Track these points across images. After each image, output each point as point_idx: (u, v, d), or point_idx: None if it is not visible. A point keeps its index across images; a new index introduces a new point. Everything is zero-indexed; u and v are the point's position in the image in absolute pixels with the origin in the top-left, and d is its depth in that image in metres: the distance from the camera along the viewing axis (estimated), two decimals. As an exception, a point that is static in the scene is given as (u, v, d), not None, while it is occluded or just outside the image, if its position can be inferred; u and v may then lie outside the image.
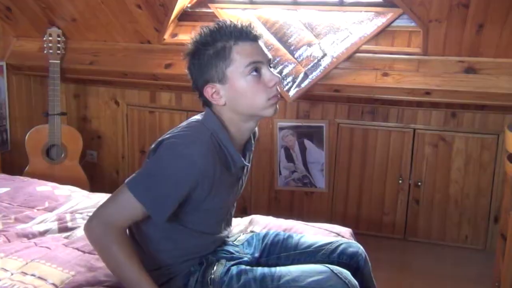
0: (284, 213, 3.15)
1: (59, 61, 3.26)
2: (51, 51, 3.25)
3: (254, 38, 1.40)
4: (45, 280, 1.56)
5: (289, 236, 1.73)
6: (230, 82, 1.39)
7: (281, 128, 3.30)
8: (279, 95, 1.45)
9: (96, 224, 1.37)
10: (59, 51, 3.27)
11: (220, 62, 1.38)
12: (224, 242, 1.68)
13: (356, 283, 1.47)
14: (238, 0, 3.16)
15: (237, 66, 1.38)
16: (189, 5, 3.22)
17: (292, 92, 2.95)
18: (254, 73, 1.38)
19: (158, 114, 3.54)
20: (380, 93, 2.88)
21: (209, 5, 3.17)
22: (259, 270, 1.50)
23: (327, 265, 1.48)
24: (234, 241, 1.72)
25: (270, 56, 1.44)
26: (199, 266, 1.53)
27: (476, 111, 2.99)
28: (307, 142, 3.27)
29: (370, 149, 3.20)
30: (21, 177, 2.68)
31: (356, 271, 1.60)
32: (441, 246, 3.17)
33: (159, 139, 1.41)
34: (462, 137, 3.04)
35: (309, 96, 3.06)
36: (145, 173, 1.37)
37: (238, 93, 1.39)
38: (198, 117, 1.49)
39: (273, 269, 1.50)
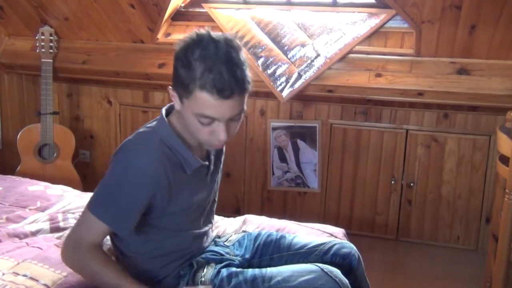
0: (277, 213, 3.16)
1: (51, 60, 3.24)
2: (43, 50, 3.23)
3: (225, 97, 1.26)
4: (37, 280, 1.55)
5: (282, 237, 1.73)
6: (184, 105, 1.33)
7: (274, 128, 3.30)
8: (223, 146, 1.47)
9: (66, 248, 1.40)
10: (51, 50, 3.25)
11: (183, 85, 1.29)
12: (214, 243, 1.68)
13: (347, 281, 1.47)
14: (232, 0, 3.16)
15: (191, 104, 1.30)
16: (182, 5, 3.22)
17: (285, 93, 2.95)
18: (205, 121, 1.31)
19: (151, 114, 3.53)
20: (373, 93, 2.88)
21: (203, 5, 3.17)
22: (250, 271, 1.50)
23: (317, 264, 1.49)
24: (225, 241, 1.72)
25: (231, 114, 1.31)
26: (188, 269, 1.53)
27: (469, 112, 3.00)
28: (300, 142, 3.28)
29: (363, 149, 3.21)
30: (13, 177, 2.66)
31: (349, 272, 1.61)
32: (433, 246, 3.18)
33: (119, 145, 1.43)
34: (454, 138, 3.06)
35: (302, 97, 3.07)
36: (102, 191, 1.39)
37: (186, 120, 1.36)
38: (151, 123, 1.48)
39: (263, 270, 1.50)
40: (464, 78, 2.70)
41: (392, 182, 3.18)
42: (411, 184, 3.16)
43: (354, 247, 1.69)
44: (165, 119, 1.45)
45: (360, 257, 1.69)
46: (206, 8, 3.15)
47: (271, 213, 2.64)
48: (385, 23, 2.88)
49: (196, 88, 1.26)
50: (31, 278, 1.56)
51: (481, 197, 3.07)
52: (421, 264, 2.98)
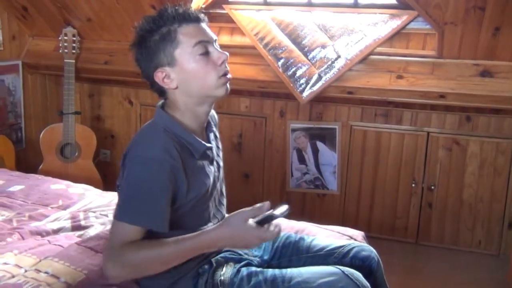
0: (296, 215, 3.14)
1: (74, 61, 3.28)
2: (66, 50, 3.27)
3: (197, 20, 1.43)
4: (58, 278, 1.57)
5: (301, 239, 1.72)
6: (179, 64, 1.40)
7: (294, 130, 3.29)
8: (229, 75, 1.47)
9: (112, 266, 1.30)
10: (74, 51, 3.29)
11: (167, 46, 1.39)
12: None
13: (368, 284, 1.46)
14: (252, 1, 3.17)
15: (184, 47, 1.39)
16: (203, 6, 3.23)
17: (305, 94, 2.95)
18: (202, 52, 1.40)
19: (171, 114, 3.55)
20: (394, 95, 2.86)
21: (224, 6, 3.18)
22: (270, 271, 1.50)
23: (338, 266, 1.48)
24: None
25: (215, 36, 1.47)
26: (208, 267, 1.53)
27: (491, 115, 2.95)
28: (319, 144, 3.26)
29: (383, 152, 3.18)
30: (36, 175, 2.70)
31: (369, 275, 1.59)
32: (454, 251, 3.14)
33: (124, 152, 1.43)
34: (476, 141, 3.01)
35: (322, 98, 3.06)
36: (126, 198, 1.36)
37: (188, 74, 1.41)
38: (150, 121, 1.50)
39: (283, 270, 1.49)
40: (488, 80, 2.67)
41: (413, 185, 3.15)
42: (432, 187, 3.12)
43: (374, 250, 1.68)
44: (163, 110, 1.48)
45: (380, 260, 1.67)
46: (227, 9, 3.16)
47: (289, 215, 2.63)
48: (407, 25, 2.85)
49: (176, 30, 1.39)
50: (52, 275, 1.58)
51: (504, 201, 3.02)
52: (441, 268, 2.94)
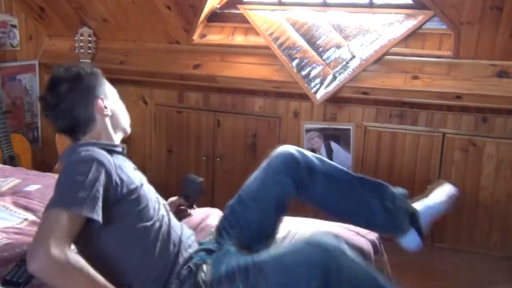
0: (310, 215, 3.14)
1: (90, 61, 3.31)
2: (82, 50, 3.30)
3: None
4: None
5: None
6: (109, 101, 1.73)
7: (308, 130, 3.28)
8: None
9: (42, 257, 1.24)
10: (90, 51, 3.32)
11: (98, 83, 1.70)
12: (200, 244, 1.68)
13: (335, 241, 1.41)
14: (267, 1, 3.17)
15: (107, 96, 1.73)
16: (218, 6, 3.24)
17: (319, 94, 2.94)
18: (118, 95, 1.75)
19: (185, 114, 3.57)
20: (409, 96, 2.84)
21: (238, 6, 3.19)
22: (242, 259, 1.47)
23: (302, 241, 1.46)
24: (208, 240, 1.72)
25: None
26: (188, 274, 1.52)
27: (508, 116, 2.92)
28: (333, 145, 3.25)
29: (398, 153, 3.16)
30: (52, 174, 2.71)
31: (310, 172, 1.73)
32: (469, 253, 3.10)
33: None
34: (493, 143, 2.97)
35: (336, 98, 3.05)
36: (58, 190, 1.39)
37: (116, 111, 1.76)
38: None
39: (255, 257, 1.46)
40: (505, 81, 2.64)
41: (428, 186, 3.11)
42: (447, 189, 3.09)
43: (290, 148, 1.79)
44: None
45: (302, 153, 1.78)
46: (242, 9, 3.16)
47: (304, 214, 2.62)
48: (422, 25, 2.83)
49: (100, 86, 1.70)
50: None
51: (521, 203, 2.99)
52: (456, 270, 2.91)
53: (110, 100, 1.73)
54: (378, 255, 1.97)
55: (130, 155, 1.83)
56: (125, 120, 1.80)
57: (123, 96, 1.87)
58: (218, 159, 3.49)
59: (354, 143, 3.22)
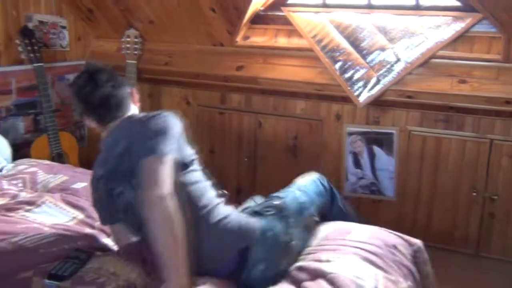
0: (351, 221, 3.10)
1: (135, 62, 3.38)
2: (128, 51, 3.38)
3: None
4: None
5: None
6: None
7: (350, 133, 3.25)
8: None
9: (160, 197, 1.51)
10: (136, 52, 3.39)
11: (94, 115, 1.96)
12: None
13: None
14: (311, 3, 3.15)
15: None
16: (261, 8, 3.25)
17: (362, 97, 2.90)
18: None
19: (227, 115, 3.59)
20: (456, 100, 2.77)
21: (282, 8, 3.19)
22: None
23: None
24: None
25: None
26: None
27: (561, 122, 2.81)
28: (376, 149, 3.20)
29: (443, 158, 3.08)
30: (97, 172, 2.78)
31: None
32: (516, 264, 3.00)
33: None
34: (544, 150, 2.86)
35: (379, 102, 3.00)
36: (160, 137, 1.75)
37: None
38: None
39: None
40: (558, 86, 2.53)
41: (474, 194, 3.03)
42: (494, 197, 2.99)
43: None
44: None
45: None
46: (285, 11, 3.16)
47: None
48: (470, 27, 2.76)
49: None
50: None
51: None
52: (502, 282, 2.81)
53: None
54: (420, 263, 1.92)
55: (172, 155, 1.87)
56: None
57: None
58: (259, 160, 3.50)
59: (398, 147, 3.16)
